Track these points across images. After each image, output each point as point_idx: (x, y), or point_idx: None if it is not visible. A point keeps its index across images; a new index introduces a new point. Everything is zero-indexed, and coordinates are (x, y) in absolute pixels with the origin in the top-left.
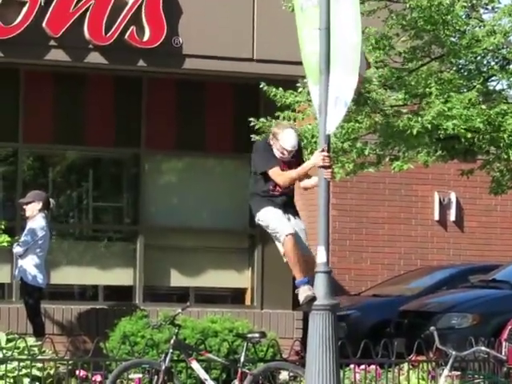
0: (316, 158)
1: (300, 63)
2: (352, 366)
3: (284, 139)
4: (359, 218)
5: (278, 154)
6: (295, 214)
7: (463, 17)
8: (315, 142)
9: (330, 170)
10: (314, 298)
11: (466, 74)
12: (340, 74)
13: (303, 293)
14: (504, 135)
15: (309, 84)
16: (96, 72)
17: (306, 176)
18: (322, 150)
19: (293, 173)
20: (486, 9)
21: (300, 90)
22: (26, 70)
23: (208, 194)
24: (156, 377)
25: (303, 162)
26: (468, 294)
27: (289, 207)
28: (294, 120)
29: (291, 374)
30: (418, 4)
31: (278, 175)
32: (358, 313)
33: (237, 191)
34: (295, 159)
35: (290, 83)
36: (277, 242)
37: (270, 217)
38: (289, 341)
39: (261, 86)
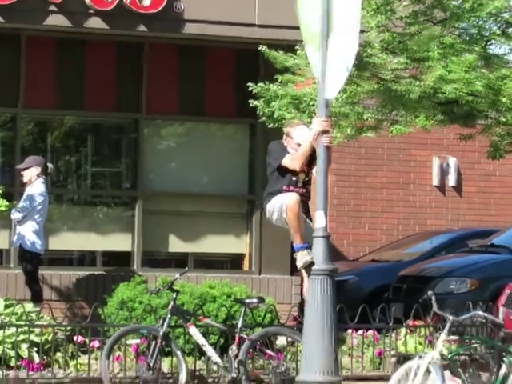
0: (316, 125)
1: (299, 28)
2: (350, 331)
3: (299, 136)
4: (358, 183)
5: (293, 152)
6: (308, 216)
7: None
8: (313, 105)
9: (329, 136)
10: (312, 263)
11: (467, 38)
12: (341, 38)
13: (302, 258)
14: (504, 99)
15: (309, 51)
16: (97, 37)
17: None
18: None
19: (300, 150)
20: None
21: (299, 52)
22: (26, 35)
23: (207, 159)
24: (154, 342)
25: (315, 155)
26: (466, 258)
27: (302, 208)
28: (293, 83)
29: (289, 339)
30: None
31: (291, 160)
32: (357, 278)
33: (236, 156)
34: (310, 164)
35: (291, 48)
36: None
37: (274, 200)
38: (287, 306)
39: (260, 49)
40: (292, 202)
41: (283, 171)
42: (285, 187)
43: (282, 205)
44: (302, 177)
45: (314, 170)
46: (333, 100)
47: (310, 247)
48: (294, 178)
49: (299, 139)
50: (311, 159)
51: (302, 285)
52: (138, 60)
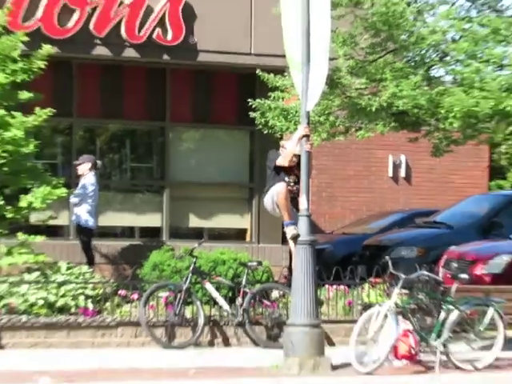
0: (300, 130)
1: (285, 56)
2: (327, 286)
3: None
4: (332, 175)
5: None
6: (296, 208)
7: (412, 20)
8: (298, 116)
9: (310, 142)
10: (297, 235)
11: (413, 64)
12: (316, 65)
13: (290, 231)
14: (441, 110)
15: (293, 74)
16: (131, 64)
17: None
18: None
19: (287, 150)
20: (429, 14)
21: (286, 76)
22: (77, 62)
23: (218, 157)
24: (179, 295)
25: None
26: (414, 232)
27: (292, 202)
28: (282, 99)
29: (281, 292)
30: (378, 11)
31: (282, 158)
32: (331, 247)
33: (240, 155)
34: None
35: (278, 71)
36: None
37: (268, 193)
38: (279, 268)
39: (256, 72)
40: (281, 188)
41: (278, 171)
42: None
43: (272, 193)
44: (293, 178)
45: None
46: (310, 112)
47: (296, 224)
48: (286, 179)
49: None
50: (299, 165)
51: (290, 252)
52: (162, 81)
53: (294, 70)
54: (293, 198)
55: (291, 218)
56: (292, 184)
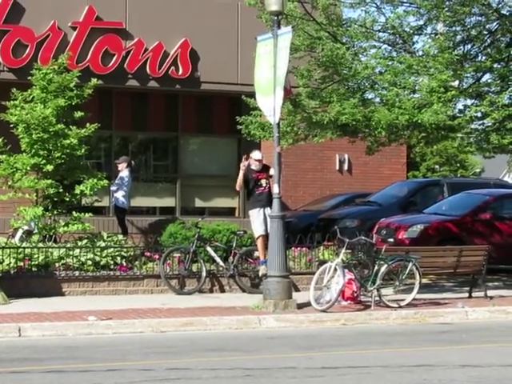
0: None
1: None
2: (293, 248)
3: (253, 155)
4: (295, 169)
5: (253, 166)
6: (270, 205)
7: (350, 59)
8: (271, 127)
9: (280, 146)
10: (266, 274)
11: (352, 90)
12: (278, 90)
13: (262, 270)
14: (372, 123)
15: (258, 97)
16: (153, 91)
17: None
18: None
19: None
20: (363, 55)
21: None
22: (115, 91)
23: (214, 157)
24: (188, 255)
25: (269, 174)
26: (355, 208)
27: (267, 201)
28: (260, 116)
29: None
30: (326, 53)
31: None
32: (296, 220)
33: (230, 155)
34: (265, 172)
35: None
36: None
37: (253, 218)
38: None
39: (242, 97)
40: (259, 238)
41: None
42: (256, 189)
43: (254, 229)
44: (264, 181)
45: (271, 172)
46: (280, 124)
47: (266, 262)
48: (258, 183)
49: (253, 156)
50: (267, 171)
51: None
52: (175, 103)
53: (259, 94)
54: (267, 195)
55: (264, 257)
56: (264, 185)
